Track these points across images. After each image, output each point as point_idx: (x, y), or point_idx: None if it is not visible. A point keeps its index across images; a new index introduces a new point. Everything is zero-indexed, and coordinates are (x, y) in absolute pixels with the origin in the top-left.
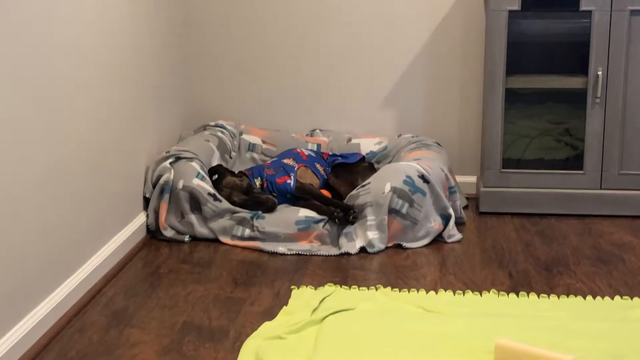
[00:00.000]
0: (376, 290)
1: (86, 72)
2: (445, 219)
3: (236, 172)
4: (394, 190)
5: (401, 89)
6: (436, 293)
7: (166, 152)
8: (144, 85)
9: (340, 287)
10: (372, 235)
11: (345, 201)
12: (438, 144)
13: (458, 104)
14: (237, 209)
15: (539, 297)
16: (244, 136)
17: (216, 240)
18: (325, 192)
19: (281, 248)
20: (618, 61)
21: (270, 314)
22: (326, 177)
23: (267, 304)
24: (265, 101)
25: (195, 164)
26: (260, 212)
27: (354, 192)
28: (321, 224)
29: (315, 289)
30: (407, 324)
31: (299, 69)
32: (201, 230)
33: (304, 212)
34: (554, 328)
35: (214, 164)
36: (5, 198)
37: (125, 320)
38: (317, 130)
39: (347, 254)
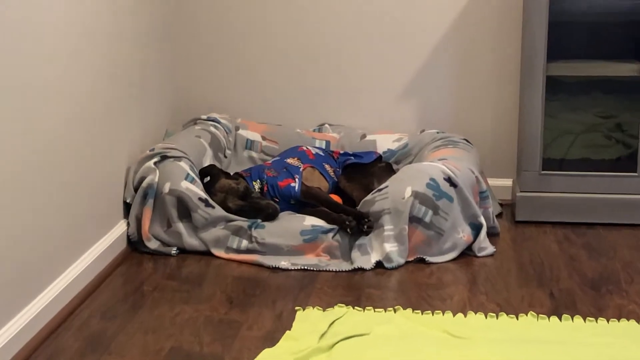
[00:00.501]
0: (395, 312)
1: (58, 60)
2: (476, 229)
3: (232, 174)
4: (416, 195)
5: (424, 77)
6: (465, 316)
7: (150, 150)
8: (124, 73)
9: (353, 308)
10: (390, 247)
11: (358, 208)
12: (467, 142)
13: (490, 95)
14: (233, 216)
15: (585, 320)
16: (241, 131)
17: (208, 253)
18: (335, 197)
19: (284, 262)
20: None
21: (271, 340)
22: (336, 179)
23: (268, 327)
24: (266, 91)
25: (184, 164)
26: (259, 221)
27: (368, 197)
28: (330, 235)
29: (324, 310)
30: (430, 352)
31: (305, 53)
32: (191, 241)
33: (311, 221)
34: (602, 357)
35: (206, 164)
36: None
37: (102, 346)
38: (326, 125)
39: (361, 269)
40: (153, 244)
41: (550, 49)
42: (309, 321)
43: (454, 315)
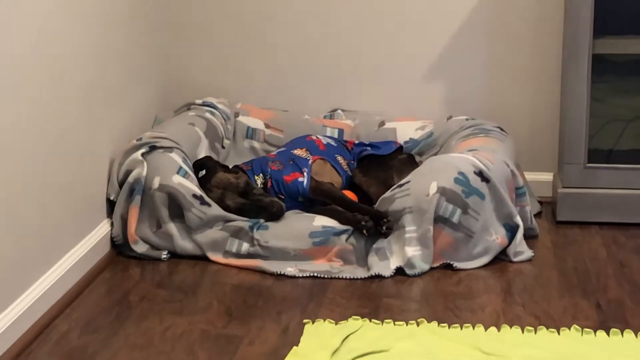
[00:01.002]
0: (418, 325)
1: (29, 35)
2: (511, 230)
3: (230, 167)
4: (442, 191)
5: (452, 56)
6: (498, 330)
7: (137, 140)
8: (107, 51)
9: (370, 321)
10: (413, 251)
11: (376, 206)
12: (501, 130)
13: (528, 76)
14: (232, 216)
15: (636, 335)
16: (241, 118)
17: (204, 258)
18: (349, 194)
19: (290, 269)
20: None
21: (276, 357)
22: (351, 173)
23: (272, 343)
24: (270, 72)
25: (175, 156)
26: (262, 221)
27: (387, 193)
28: (344, 237)
29: (336, 323)
30: None
31: (315, 29)
32: (184, 244)
33: (321, 221)
34: None
35: (201, 155)
36: None
37: None
38: (339, 111)
39: (379, 276)
40: (140, 247)
41: (598, 24)
42: (319, 336)
43: (485, 330)
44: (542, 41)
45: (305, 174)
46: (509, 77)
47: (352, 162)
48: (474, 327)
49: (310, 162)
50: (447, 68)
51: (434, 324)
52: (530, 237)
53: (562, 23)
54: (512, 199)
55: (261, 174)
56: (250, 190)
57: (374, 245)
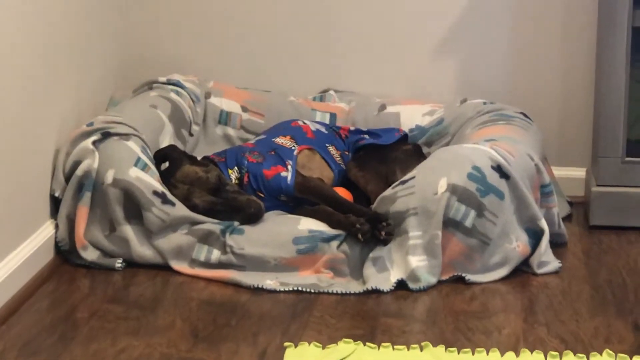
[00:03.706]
0: (421, 350)
1: None
2: (535, 236)
3: (199, 159)
4: (453, 189)
5: (467, 27)
6: (517, 355)
7: (88, 125)
8: (52, 19)
9: (364, 344)
10: (417, 261)
11: (373, 207)
12: (525, 116)
13: (557, 53)
14: (200, 217)
15: None
16: (214, 100)
17: (166, 268)
18: (342, 192)
19: (270, 281)
20: None
21: None
22: (344, 167)
23: None
24: (248, 44)
25: (133, 145)
26: (236, 224)
27: (388, 191)
28: (335, 244)
29: (324, 347)
30: None
31: None
32: (142, 250)
33: (308, 224)
34: None
35: (164, 144)
36: None
37: None
38: (331, 92)
39: (377, 291)
40: (90, 254)
41: None
42: None
43: (502, 355)
44: (574, 12)
45: (289, 167)
46: (534, 53)
47: (347, 153)
48: (488, 352)
49: (295, 152)
50: (461, 42)
51: (441, 348)
52: (557, 244)
53: None
54: (537, 199)
55: (236, 167)
56: (222, 186)
57: (371, 254)
